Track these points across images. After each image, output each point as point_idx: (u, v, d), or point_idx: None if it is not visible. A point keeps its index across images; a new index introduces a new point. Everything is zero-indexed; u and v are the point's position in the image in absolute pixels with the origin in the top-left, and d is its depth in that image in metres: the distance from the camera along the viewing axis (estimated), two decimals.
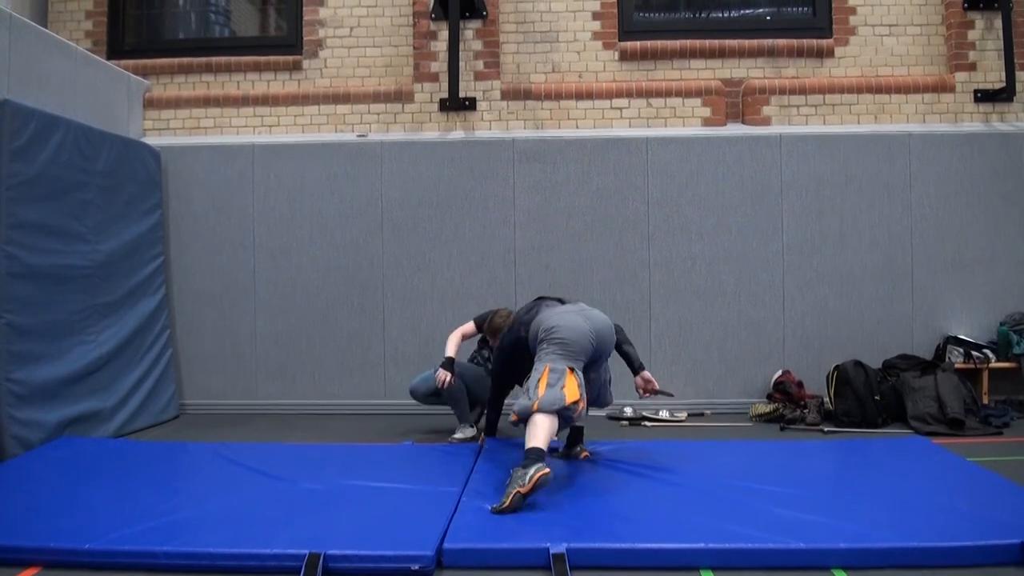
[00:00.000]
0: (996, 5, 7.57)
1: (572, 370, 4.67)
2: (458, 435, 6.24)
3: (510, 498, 4.17)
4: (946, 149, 7.51)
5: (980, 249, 7.47)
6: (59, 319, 6.12)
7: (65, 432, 5.98)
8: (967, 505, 4.18)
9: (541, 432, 4.46)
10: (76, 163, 6.38)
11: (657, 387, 5.42)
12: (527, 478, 4.21)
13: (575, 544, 3.65)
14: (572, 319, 4.89)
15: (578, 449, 5.40)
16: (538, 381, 4.63)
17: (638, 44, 7.93)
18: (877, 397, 6.75)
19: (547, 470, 4.29)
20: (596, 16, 7.95)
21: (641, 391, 5.45)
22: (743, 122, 7.81)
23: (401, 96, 7.88)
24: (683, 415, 7.13)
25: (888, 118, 7.73)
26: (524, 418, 4.56)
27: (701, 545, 3.66)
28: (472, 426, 6.36)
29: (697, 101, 7.77)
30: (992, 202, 7.48)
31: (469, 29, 7.81)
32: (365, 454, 5.56)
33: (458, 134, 7.77)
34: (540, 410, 4.50)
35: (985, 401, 7.07)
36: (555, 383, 4.59)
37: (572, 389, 4.58)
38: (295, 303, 7.64)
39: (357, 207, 7.65)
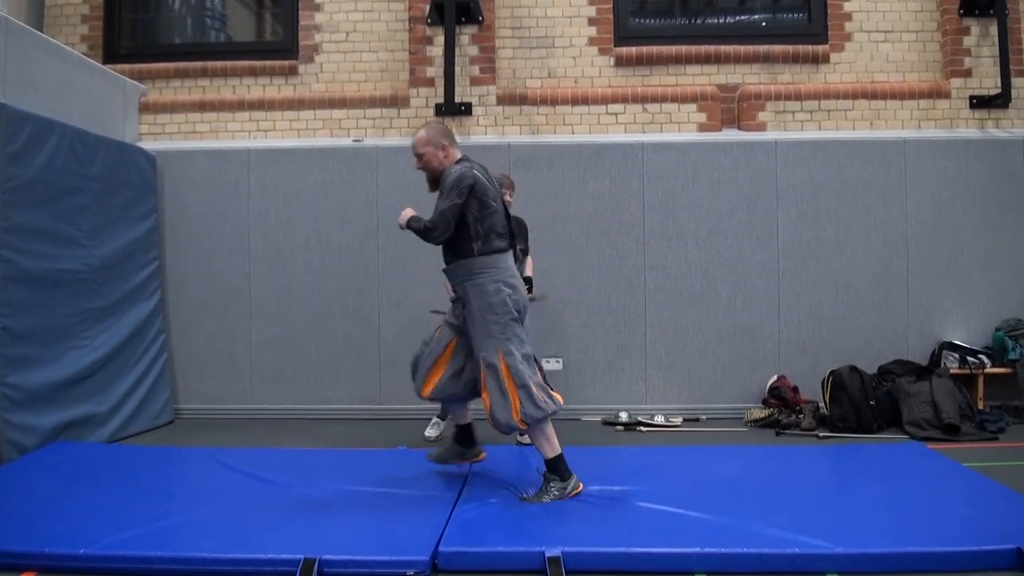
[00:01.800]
0: (992, 11, 7.59)
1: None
2: (432, 432, 6.59)
3: (549, 497, 4.48)
4: (942, 155, 7.52)
5: (975, 255, 7.48)
6: (54, 323, 6.11)
7: (60, 436, 5.97)
8: (963, 510, 4.19)
9: (554, 435, 4.63)
10: (72, 167, 6.37)
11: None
12: (567, 490, 4.53)
13: (570, 548, 3.66)
14: (519, 282, 4.76)
15: (476, 450, 5.15)
16: (527, 378, 4.51)
17: (634, 50, 7.94)
18: (872, 402, 6.75)
19: (582, 485, 4.63)
20: (592, 22, 7.96)
21: None
22: (739, 128, 7.82)
23: (397, 101, 7.88)
24: (678, 420, 7.13)
25: (884, 124, 7.75)
26: (534, 423, 4.53)
27: (696, 549, 3.67)
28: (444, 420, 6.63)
29: (693, 107, 7.78)
30: (987, 208, 7.50)
31: (465, 34, 7.81)
32: (360, 459, 5.56)
33: None
34: (549, 416, 4.55)
35: (980, 406, 7.08)
36: (534, 375, 4.60)
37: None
38: (290, 308, 7.63)
39: (353, 212, 7.64)
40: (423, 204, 7.56)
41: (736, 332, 7.48)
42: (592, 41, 7.97)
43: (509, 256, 4.67)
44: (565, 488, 4.51)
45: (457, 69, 7.67)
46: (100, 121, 7.14)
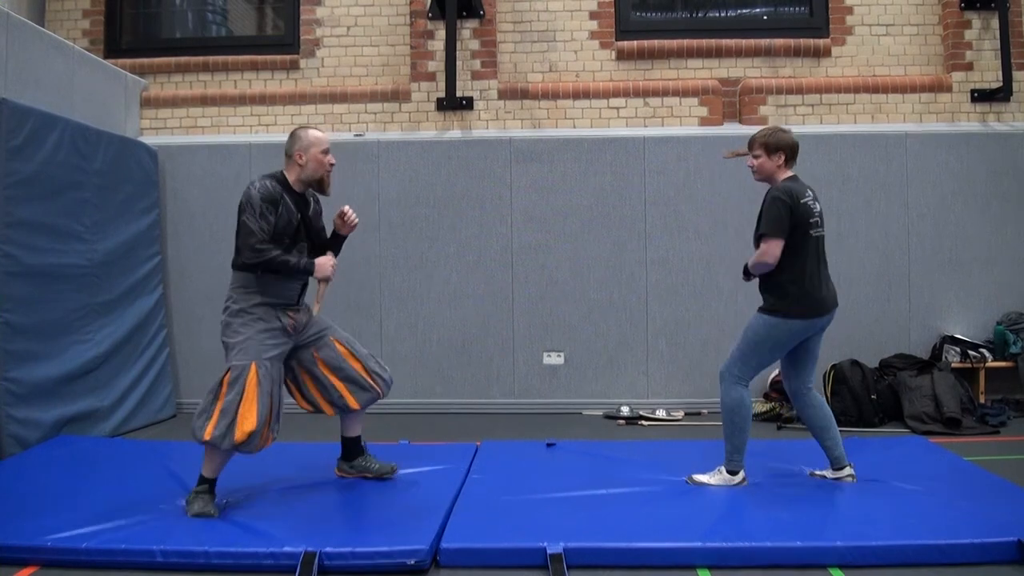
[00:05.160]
0: (993, 5, 7.57)
1: None
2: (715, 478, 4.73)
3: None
4: (943, 149, 7.51)
5: (977, 249, 7.48)
6: (56, 318, 6.12)
7: (62, 431, 5.98)
8: (964, 503, 4.20)
9: None
10: (73, 162, 6.38)
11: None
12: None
13: (572, 543, 3.66)
14: None
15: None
16: None
17: (635, 43, 7.93)
18: (874, 396, 6.76)
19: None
20: (593, 15, 7.95)
21: None
22: (740, 122, 7.81)
23: (398, 95, 7.87)
24: (680, 414, 7.14)
25: (885, 118, 7.74)
26: None
27: (698, 544, 3.68)
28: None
29: (694, 100, 7.77)
30: (989, 202, 7.49)
31: (466, 28, 7.81)
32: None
33: (455, 133, 7.77)
34: None
35: (982, 400, 7.08)
36: None
37: None
38: None
39: (354, 206, 7.45)
40: (421, 200, 7.60)
41: (738, 326, 7.33)
42: (593, 35, 7.96)
43: None
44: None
45: (458, 63, 7.67)
46: (101, 116, 7.14)
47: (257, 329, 4.33)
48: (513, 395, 7.53)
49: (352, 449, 4.89)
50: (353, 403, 4.66)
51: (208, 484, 4.27)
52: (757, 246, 4.69)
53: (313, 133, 4.55)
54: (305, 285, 4.62)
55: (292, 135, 4.58)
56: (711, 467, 4.81)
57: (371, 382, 4.68)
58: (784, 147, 4.69)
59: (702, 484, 4.63)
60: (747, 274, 4.90)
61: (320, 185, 4.60)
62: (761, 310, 4.68)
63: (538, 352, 7.54)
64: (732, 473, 4.64)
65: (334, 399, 4.64)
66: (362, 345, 4.82)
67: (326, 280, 4.50)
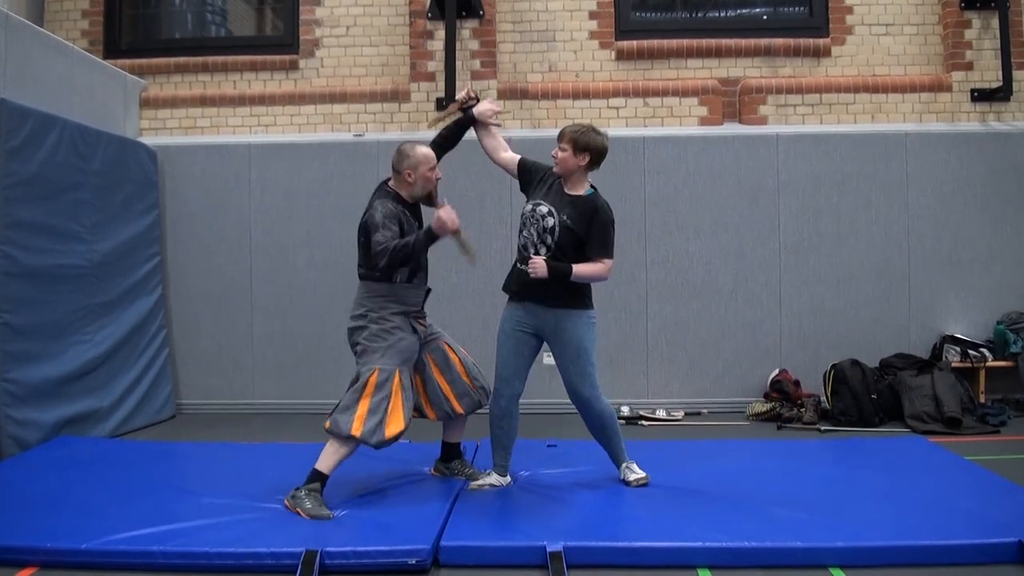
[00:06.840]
0: (993, 4, 7.56)
1: None
2: (485, 481, 4.80)
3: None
4: (943, 148, 7.51)
5: (977, 248, 7.48)
6: (55, 319, 6.11)
7: (62, 432, 5.97)
8: (964, 504, 4.20)
9: None
10: (72, 163, 6.37)
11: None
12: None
13: (572, 542, 3.66)
14: None
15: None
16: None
17: (635, 43, 7.92)
18: (874, 396, 6.76)
19: None
20: (593, 15, 7.94)
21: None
22: (740, 121, 7.81)
23: (398, 95, 7.87)
24: (680, 414, 7.14)
25: (885, 117, 7.73)
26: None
27: (698, 544, 3.67)
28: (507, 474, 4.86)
29: (694, 100, 7.77)
30: (989, 201, 7.49)
31: (466, 28, 7.80)
32: (360, 453, 5.54)
33: None
34: None
35: (982, 400, 7.08)
36: None
37: None
38: (291, 302, 7.63)
39: (353, 207, 7.53)
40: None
41: (738, 326, 7.48)
42: (593, 35, 7.96)
43: None
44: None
45: (458, 63, 7.65)
46: (101, 116, 7.13)
47: (399, 337, 4.43)
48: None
49: (451, 453, 4.98)
50: (458, 407, 4.70)
51: (322, 481, 4.30)
52: (568, 255, 4.49)
53: (421, 151, 4.57)
54: (428, 292, 4.78)
55: (400, 152, 4.61)
56: (712, 468, 4.85)
57: (473, 389, 4.74)
58: (592, 149, 4.49)
59: (638, 481, 4.67)
60: (553, 276, 4.44)
61: (429, 199, 4.64)
62: (574, 312, 4.56)
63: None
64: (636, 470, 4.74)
65: (441, 403, 4.69)
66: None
67: (456, 231, 4.36)
